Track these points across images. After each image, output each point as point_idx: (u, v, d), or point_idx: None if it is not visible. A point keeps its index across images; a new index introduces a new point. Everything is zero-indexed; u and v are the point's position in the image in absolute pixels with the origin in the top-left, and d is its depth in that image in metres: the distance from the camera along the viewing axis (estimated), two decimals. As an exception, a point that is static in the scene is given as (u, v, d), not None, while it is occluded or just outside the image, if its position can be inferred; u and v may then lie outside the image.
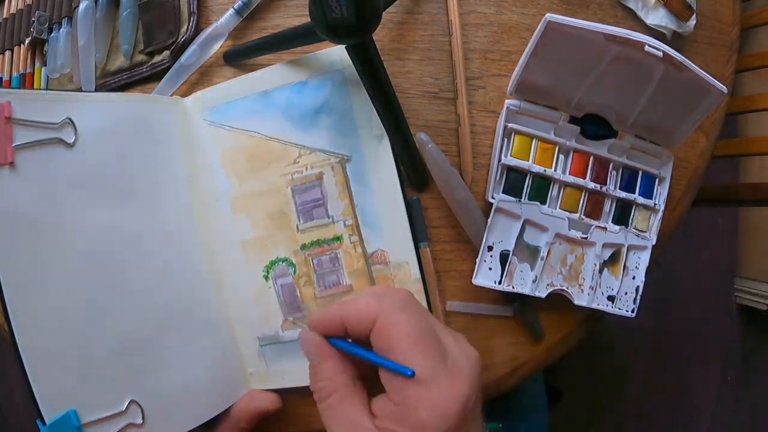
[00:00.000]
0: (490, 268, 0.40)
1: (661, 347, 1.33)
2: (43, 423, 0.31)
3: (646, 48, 0.35)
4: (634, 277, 0.42)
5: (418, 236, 0.40)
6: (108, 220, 0.36)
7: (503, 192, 0.41)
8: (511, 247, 0.40)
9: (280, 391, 0.40)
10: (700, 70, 0.36)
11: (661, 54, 0.35)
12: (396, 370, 0.27)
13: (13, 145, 0.32)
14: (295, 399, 0.41)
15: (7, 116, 0.32)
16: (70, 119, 0.35)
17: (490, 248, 0.40)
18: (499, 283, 0.40)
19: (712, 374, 1.33)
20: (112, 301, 0.35)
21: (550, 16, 0.35)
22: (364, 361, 0.29)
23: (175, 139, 0.41)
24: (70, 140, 0.35)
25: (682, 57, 0.35)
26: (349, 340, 0.30)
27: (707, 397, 1.32)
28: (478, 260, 0.39)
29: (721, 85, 0.37)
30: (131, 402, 0.34)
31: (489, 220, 0.39)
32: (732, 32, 0.48)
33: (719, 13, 0.47)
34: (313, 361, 0.30)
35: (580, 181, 0.41)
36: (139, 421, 0.34)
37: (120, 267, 0.36)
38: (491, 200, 0.40)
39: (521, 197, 0.41)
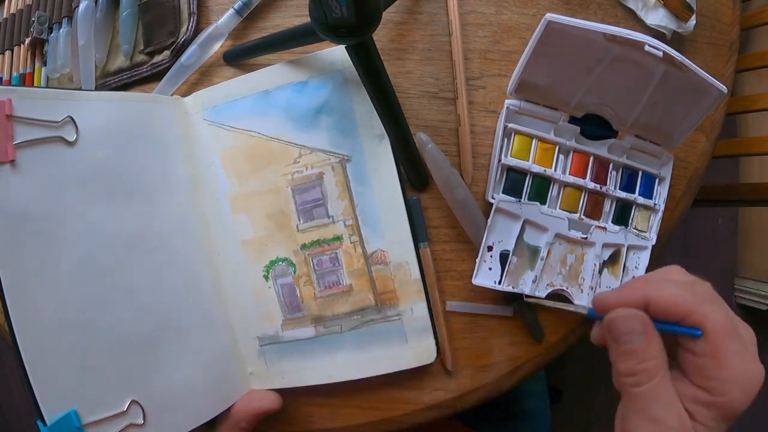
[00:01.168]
0: (490, 268, 0.40)
1: (661, 347, 1.33)
2: (44, 423, 0.31)
3: (646, 48, 0.35)
4: (633, 277, 0.42)
5: (418, 236, 0.40)
6: (108, 218, 0.36)
7: (503, 192, 0.41)
8: (510, 247, 0.40)
9: (280, 391, 0.40)
10: (700, 70, 0.36)
11: (661, 54, 0.35)
12: (687, 332, 0.28)
13: (14, 142, 0.32)
14: (296, 399, 0.41)
15: (8, 114, 0.32)
16: (71, 117, 0.35)
17: (489, 248, 0.40)
18: (499, 283, 0.40)
19: (712, 374, 1.33)
20: (112, 301, 0.35)
21: (550, 16, 0.35)
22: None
23: (175, 139, 0.41)
24: (71, 138, 0.35)
25: (682, 57, 0.35)
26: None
27: (707, 397, 1.32)
28: (477, 260, 0.39)
29: (721, 84, 0.37)
30: (132, 402, 0.34)
31: (489, 220, 0.39)
32: (732, 32, 0.48)
33: (719, 13, 0.47)
34: (636, 341, 0.29)
35: (580, 181, 0.41)
36: (140, 421, 0.34)
37: (120, 266, 0.36)
38: (491, 200, 0.40)
39: (521, 197, 0.41)
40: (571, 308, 0.34)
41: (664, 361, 0.29)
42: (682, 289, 0.29)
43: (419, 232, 0.40)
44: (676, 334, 0.29)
